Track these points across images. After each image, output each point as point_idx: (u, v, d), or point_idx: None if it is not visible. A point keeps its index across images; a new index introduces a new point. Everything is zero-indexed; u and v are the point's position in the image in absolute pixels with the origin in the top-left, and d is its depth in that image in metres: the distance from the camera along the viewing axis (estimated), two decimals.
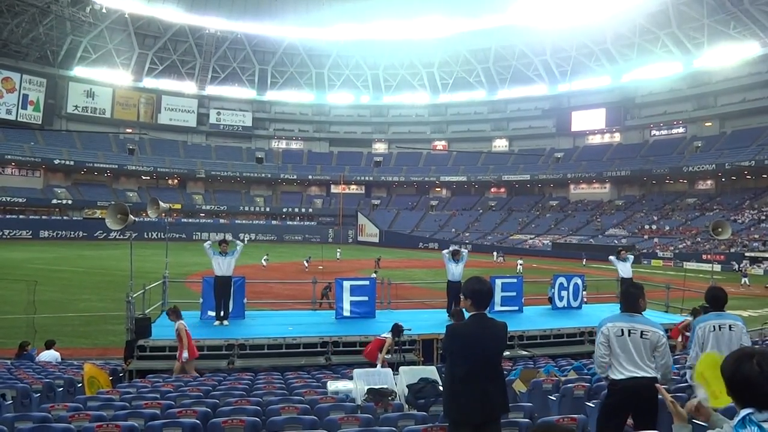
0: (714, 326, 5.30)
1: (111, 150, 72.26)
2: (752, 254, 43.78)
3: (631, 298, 4.65)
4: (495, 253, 50.45)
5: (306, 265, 35.79)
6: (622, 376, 4.41)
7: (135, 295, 10.58)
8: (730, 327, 5.32)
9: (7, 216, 60.04)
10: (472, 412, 3.82)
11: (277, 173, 77.57)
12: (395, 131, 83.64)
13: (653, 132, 68.79)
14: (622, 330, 4.45)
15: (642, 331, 4.45)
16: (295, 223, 75.32)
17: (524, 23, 66.87)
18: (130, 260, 10.62)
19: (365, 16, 69.60)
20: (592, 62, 69.67)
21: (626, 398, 4.40)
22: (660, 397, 4.21)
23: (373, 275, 15.83)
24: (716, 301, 5.54)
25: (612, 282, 16.97)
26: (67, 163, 66.74)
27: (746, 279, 33.19)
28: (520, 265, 37.19)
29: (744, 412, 2.02)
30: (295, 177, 78.15)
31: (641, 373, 4.37)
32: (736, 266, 42.30)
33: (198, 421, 4.81)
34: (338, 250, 48.72)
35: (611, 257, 14.15)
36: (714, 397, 2.37)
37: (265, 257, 37.35)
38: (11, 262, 33.81)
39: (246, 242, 13.12)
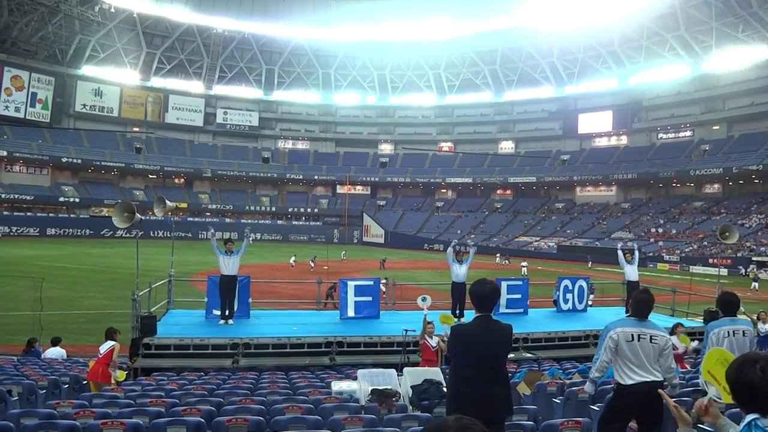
0: (728, 332, 5.24)
1: (118, 149, 72.57)
2: (759, 258, 43.53)
3: (643, 305, 4.62)
4: (498, 256, 50.31)
5: (312, 265, 35.84)
6: (632, 381, 4.39)
7: (141, 294, 10.62)
8: (743, 333, 5.30)
9: (15, 213, 60.34)
10: (475, 413, 3.79)
11: (283, 173, 77.69)
12: (401, 132, 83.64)
13: (660, 135, 68.52)
14: (632, 335, 4.44)
15: (651, 336, 4.45)
16: (300, 223, 75.43)
17: (531, 25, 66.74)
18: (136, 258, 10.65)
19: (372, 17, 69.68)
20: (599, 64, 69.46)
21: (634, 402, 4.39)
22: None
23: (384, 280, 15.80)
24: (729, 306, 5.48)
25: (618, 285, 16.92)
26: (75, 161, 67.06)
27: (756, 284, 32.96)
28: (524, 267, 37.11)
29: (749, 417, 2.02)
30: (300, 177, 78.25)
31: (651, 378, 4.36)
32: (743, 270, 42.10)
33: (202, 420, 4.82)
34: (343, 252, 48.63)
35: (619, 253, 13.96)
36: (726, 393, 2.34)
37: (293, 258, 37.54)
38: (18, 260, 34.00)
39: (251, 239, 13.09)
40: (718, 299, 5.64)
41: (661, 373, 4.44)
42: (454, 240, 13.97)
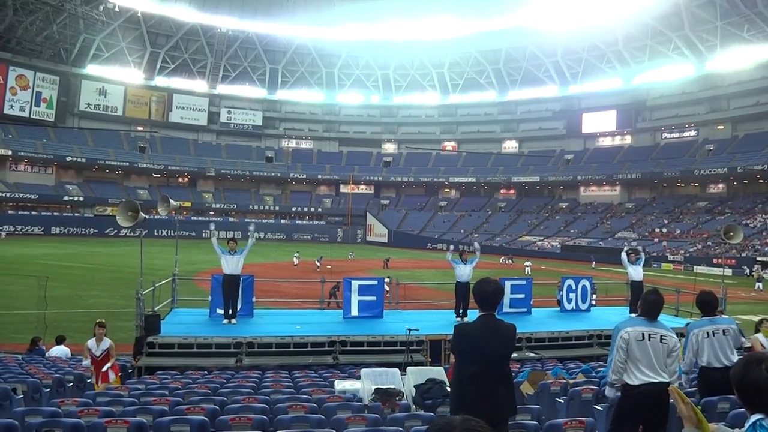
0: (707, 332, 5.25)
1: (122, 148, 72.79)
2: (764, 258, 43.36)
3: (652, 306, 4.59)
4: (503, 257, 50.27)
5: (318, 264, 35.85)
6: (639, 382, 4.37)
7: (145, 292, 10.64)
8: (723, 332, 5.28)
9: (20, 212, 60.62)
10: (479, 413, 3.78)
11: (287, 172, 77.76)
12: (405, 131, 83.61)
13: (664, 135, 68.34)
14: (643, 334, 4.42)
15: (661, 336, 4.43)
16: (304, 222, 75.46)
17: (535, 24, 66.60)
18: (140, 257, 10.68)
19: (376, 16, 69.66)
20: (604, 64, 69.31)
21: (641, 403, 4.38)
22: (671, 401, 4.20)
23: (387, 279, 15.79)
24: (707, 306, 5.49)
25: (621, 285, 16.88)
26: (79, 160, 67.26)
27: (760, 284, 32.86)
28: (528, 266, 37.05)
29: (754, 417, 2.01)
30: (304, 176, 78.32)
31: (659, 378, 4.35)
32: (748, 271, 41.97)
33: (206, 418, 4.83)
34: (351, 253, 48.59)
35: (623, 255, 13.95)
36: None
37: (296, 255, 37.97)
38: (23, 258, 34.12)
39: (255, 237, 12.78)
40: (696, 299, 5.62)
41: (668, 375, 4.43)
42: (452, 246, 13.92)
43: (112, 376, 8.24)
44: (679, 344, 4.58)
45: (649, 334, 4.42)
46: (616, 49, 66.91)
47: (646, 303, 4.66)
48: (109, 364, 8.14)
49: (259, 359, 10.20)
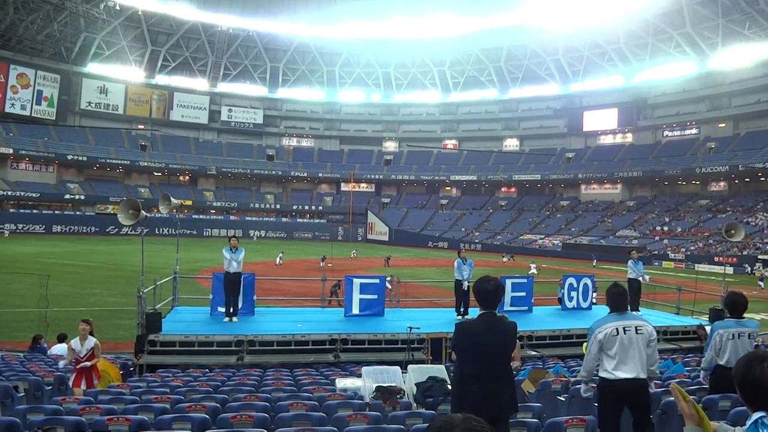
0: (733, 334, 5.19)
1: (123, 146, 72.81)
2: (765, 257, 43.31)
3: (618, 298, 4.62)
4: (504, 256, 50.20)
5: (321, 264, 35.71)
6: (613, 377, 4.38)
7: (146, 291, 10.65)
8: (749, 335, 5.24)
9: (21, 210, 60.69)
10: (480, 411, 3.78)
11: (288, 171, 77.76)
12: (406, 130, 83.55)
13: (666, 133, 68.23)
14: (617, 329, 4.43)
15: (636, 327, 4.44)
16: (305, 220, 75.49)
17: (536, 22, 66.52)
18: (142, 256, 10.69)
19: (377, 14, 69.62)
20: (605, 62, 69.20)
21: (615, 397, 4.40)
22: (671, 399, 4.21)
23: (389, 278, 15.77)
24: (736, 307, 5.42)
25: (622, 284, 16.85)
26: (80, 158, 67.27)
27: (762, 283, 32.77)
28: (533, 266, 36.90)
29: (756, 415, 2.01)
30: (305, 175, 78.32)
31: (633, 375, 4.34)
32: (749, 269, 41.92)
33: (207, 416, 4.84)
34: (354, 251, 48.56)
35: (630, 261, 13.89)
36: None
37: (280, 255, 37.55)
38: (24, 257, 34.14)
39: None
40: (725, 299, 5.57)
41: (644, 369, 4.42)
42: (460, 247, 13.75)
43: (95, 380, 7.57)
44: (656, 334, 4.60)
45: (624, 328, 4.42)
46: (617, 47, 66.81)
47: (611, 297, 4.67)
48: (89, 364, 7.46)
49: (261, 357, 10.21)
